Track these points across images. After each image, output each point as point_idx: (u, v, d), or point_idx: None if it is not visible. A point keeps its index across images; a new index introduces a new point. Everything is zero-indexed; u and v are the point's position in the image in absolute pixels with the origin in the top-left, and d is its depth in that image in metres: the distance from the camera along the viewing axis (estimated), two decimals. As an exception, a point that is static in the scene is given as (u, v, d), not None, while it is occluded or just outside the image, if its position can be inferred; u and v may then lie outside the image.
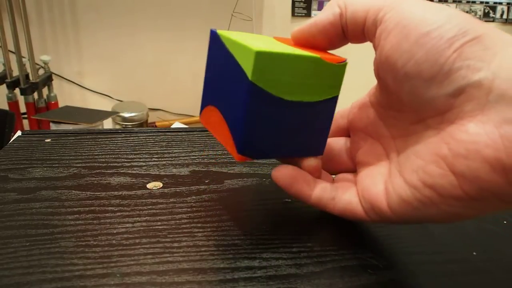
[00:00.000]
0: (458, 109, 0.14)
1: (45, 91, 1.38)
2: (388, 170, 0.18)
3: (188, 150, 0.31)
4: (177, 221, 0.21)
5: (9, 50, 1.25)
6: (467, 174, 0.14)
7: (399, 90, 0.17)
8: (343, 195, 0.19)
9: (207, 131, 0.34)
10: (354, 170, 0.22)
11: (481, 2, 1.82)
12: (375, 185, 0.18)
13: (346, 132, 0.23)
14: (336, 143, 0.23)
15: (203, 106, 0.21)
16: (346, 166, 0.22)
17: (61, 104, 1.41)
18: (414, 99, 0.16)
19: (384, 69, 0.17)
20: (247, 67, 0.17)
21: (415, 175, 0.16)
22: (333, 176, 0.22)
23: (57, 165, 0.27)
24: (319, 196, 0.19)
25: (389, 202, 0.17)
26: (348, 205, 0.19)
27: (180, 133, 0.34)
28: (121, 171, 0.27)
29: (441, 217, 0.16)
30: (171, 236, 0.20)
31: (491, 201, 0.14)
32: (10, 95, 1.27)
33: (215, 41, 0.20)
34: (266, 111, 0.18)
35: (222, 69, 0.19)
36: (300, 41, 0.20)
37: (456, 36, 0.14)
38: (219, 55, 0.20)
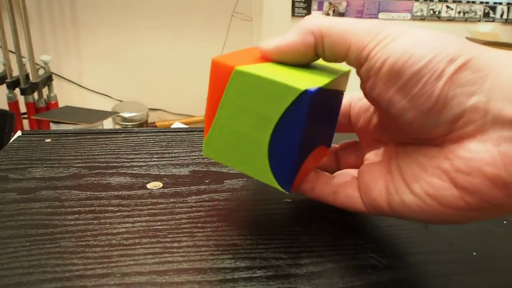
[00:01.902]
0: (458, 131, 0.15)
1: (45, 91, 1.38)
2: (388, 169, 0.18)
3: (188, 150, 0.31)
4: (177, 221, 0.21)
5: (9, 50, 1.25)
6: (469, 189, 0.14)
7: (395, 120, 0.17)
8: (344, 190, 0.20)
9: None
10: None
11: (481, 2, 1.82)
12: (376, 183, 0.18)
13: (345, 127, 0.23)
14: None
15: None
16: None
17: (61, 104, 1.41)
18: (413, 128, 0.16)
19: (376, 102, 0.17)
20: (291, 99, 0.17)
21: (417, 184, 0.16)
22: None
23: (57, 165, 0.27)
24: (320, 191, 0.20)
25: (390, 202, 0.17)
26: (350, 199, 0.19)
27: (180, 133, 0.34)
28: (121, 171, 0.27)
29: (440, 221, 0.16)
30: (171, 236, 0.20)
31: (491, 210, 0.14)
32: (10, 95, 1.28)
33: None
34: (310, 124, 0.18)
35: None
36: (271, 58, 0.19)
37: (446, 66, 0.14)
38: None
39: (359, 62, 0.16)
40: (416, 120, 0.15)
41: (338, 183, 0.20)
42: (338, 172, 0.21)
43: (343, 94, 0.21)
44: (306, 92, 0.16)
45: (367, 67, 0.16)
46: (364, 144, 0.22)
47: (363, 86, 0.17)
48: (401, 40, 0.15)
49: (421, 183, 0.16)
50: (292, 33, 0.18)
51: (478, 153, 0.14)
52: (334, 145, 0.24)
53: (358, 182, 0.19)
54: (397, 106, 0.16)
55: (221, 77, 0.18)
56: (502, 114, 0.13)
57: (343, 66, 0.20)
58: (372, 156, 0.20)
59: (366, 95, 0.18)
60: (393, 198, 0.17)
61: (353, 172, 0.21)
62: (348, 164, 0.23)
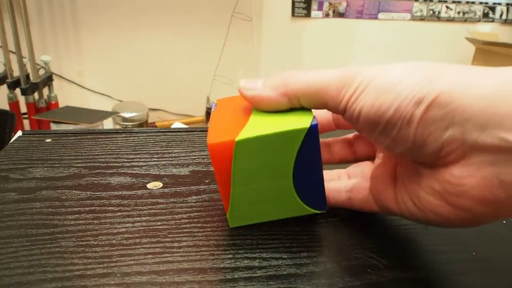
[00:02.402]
0: (442, 159, 0.16)
1: (45, 91, 1.38)
2: (394, 178, 0.19)
3: (188, 150, 0.31)
4: (177, 221, 0.21)
5: (10, 50, 1.25)
6: (461, 207, 0.15)
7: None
8: (358, 195, 0.21)
9: (207, 130, 0.34)
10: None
11: (481, 3, 1.82)
12: (386, 191, 0.19)
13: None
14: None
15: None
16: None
17: (61, 104, 1.41)
18: (405, 155, 0.18)
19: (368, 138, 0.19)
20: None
21: (417, 200, 0.17)
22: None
23: (57, 165, 0.27)
24: (335, 201, 0.22)
25: (399, 208, 0.19)
26: (364, 203, 0.21)
27: (180, 133, 0.34)
28: (121, 171, 0.27)
29: (443, 226, 0.17)
30: (171, 236, 0.20)
31: (487, 219, 0.16)
32: (10, 95, 1.28)
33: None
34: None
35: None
36: (249, 103, 0.20)
37: (414, 110, 0.15)
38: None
39: (338, 113, 0.18)
40: (404, 152, 0.17)
41: (351, 190, 0.21)
42: (350, 181, 0.22)
43: None
44: (311, 127, 0.18)
45: (346, 117, 0.18)
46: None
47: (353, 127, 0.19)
48: (370, 89, 0.16)
49: (420, 200, 0.17)
50: (268, 88, 0.19)
51: (463, 178, 0.15)
52: (347, 136, 0.23)
53: (370, 187, 0.21)
54: (384, 143, 0.17)
55: (224, 154, 0.18)
56: (478, 142, 0.14)
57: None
58: (380, 160, 0.21)
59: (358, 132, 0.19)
60: (401, 206, 0.18)
61: (364, 175, 0.22)
62: (365, 152, 0.23)
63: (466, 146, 0.15)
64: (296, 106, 0.19)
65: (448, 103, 0.14)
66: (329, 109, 0.18)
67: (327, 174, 0.23)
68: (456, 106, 0.14)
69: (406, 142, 0.16)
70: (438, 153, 0.15)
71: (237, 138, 0.18)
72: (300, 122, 0.18)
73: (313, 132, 0.18)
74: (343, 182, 0.22)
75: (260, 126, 0.19)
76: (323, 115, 0.23)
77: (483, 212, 0.15)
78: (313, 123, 0.18)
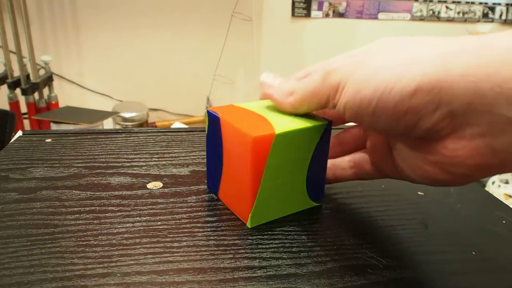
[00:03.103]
0: (434, 135, 0.16)
1: (45, 91, 1.38)
2: (390, 152, 0.20)
3: (188, 150, 0.31)
4: (177, 221, 0.21)
5: (10, 51, 1.25)
6: (458, 174, 0.16)
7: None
8: (361, 169, 0.22)
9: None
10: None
11: (480, 3, 1.82)
12: (385, 163, 0.21)
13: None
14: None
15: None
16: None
17: (61, 104, 1.41)
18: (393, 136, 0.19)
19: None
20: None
21: (418, 170, 0.18)
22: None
23: (57, 165, 0.27)
24: (341, 176, 0.23)
25: (400, 175, 0.20)
26: (369, 175, 0.22)
27: (180, 133, 0.34)
28: (121, 171, 0.27)
29: (443, 186, 0.18)
30: (171, 236, 0.20)
31: (485, 176, 0.16)
32: (11, 95, 1.28)
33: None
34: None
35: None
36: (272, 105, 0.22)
37: (397, 102, 0.16)
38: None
39: (333, 106, 0.19)
40: (396, 135, 0.18)
41: (355, 166, 0.23)
42: (352, 157, 0.23)
43: None
44: (328, 122, 0.21)
45: (337, 112, 0.19)
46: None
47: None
48: (349, 85, 0.17)
49: (420, 170, 0.18)
50: (280, 92, 0.21)
51: (457, 150, 0.16)
52: (335, 135, 0.24)
53: (370, 160, 0.22)
54: (375, 130, 0.18)
55: (263, 148, 0.19)
56: (466, 118, 0.15)
57: None
58: (375, 138, 0.22)
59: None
60: (401, 174, 0.20)
61: (361, 154, 0.23)
62: (354, 149, 0.23)
63: (456, 122, 0.15)
64: (304, 112, 0.21)
65: (430, 89, 0.15)
66: (326, 107, 0.19)
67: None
68: (440, 88, 0.15)
69: (396, 128, 0.17)
70: (429, 131, 0.16)
71: (277, 132, 0.19)
72: (315, 119, 0.21)
73: (329, 127, 0.21)
74: (346, 159, 0.23)
75: (284, 124, 0.20)
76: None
77: (478, 175, 0.16)
78: (328, 119, 0.21)
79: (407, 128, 0.16)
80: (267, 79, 0.21)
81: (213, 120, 0.22)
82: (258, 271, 0.18)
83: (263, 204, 0.20)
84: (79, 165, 0.27)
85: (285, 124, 0.20)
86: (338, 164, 0.23)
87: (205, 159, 0.29)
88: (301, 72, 0.21)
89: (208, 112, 0.22)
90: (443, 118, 0.15)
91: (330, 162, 0.23)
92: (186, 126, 1.35)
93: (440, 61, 0.15)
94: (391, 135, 0.20)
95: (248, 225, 0.21)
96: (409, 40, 0.17)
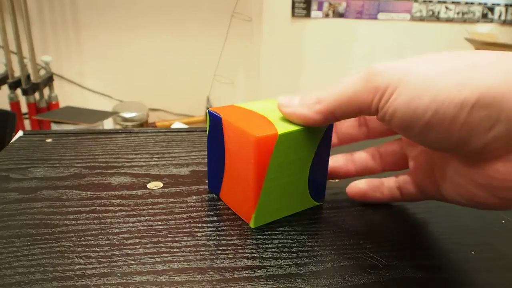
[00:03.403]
0: (485, 155, 0.15)
1: (46, 91, 1.38)
2: (433, 172, 0.20)
3: (188, 150, 0.31)
4: (177, 221, 0.21)
5: (11, 51, 1.25)
6: (508, 198, 0.16)
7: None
8: (406, 190, 0.22)
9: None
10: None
11: (480, 3, 1.82)
12: (428, 184, 0.20)
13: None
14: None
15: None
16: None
17: (62, 104, 1.41)
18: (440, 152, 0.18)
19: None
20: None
21: (464, 191, 0.17)
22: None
23: (58, 165, 0.27)
24: (390, 197, 0.23)
25: (444, 198, 0.19)
26: (414, 197, 0.22)
27: (180, 133, 0.34)
28: (122, 171, 0.27)
29: (489, 209, 0.18)
30: (171, 235, 0.20)
31: None
32: (11, 95, 1.28)
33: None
34: None
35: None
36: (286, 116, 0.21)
37: (454, 115, 0.14)
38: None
39: (371, 115, 0.18)
40: (444, 151, 0.17)
41: (400, 188, 0.22)
42: (398, 180, 0.22)
43: None
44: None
45: (379, 118, 0.17)
46: (405, 140, 0.22)
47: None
48: (402, 90, 0.15)
49: (467, 192, 0.17)
50: (304, 106, 0.19)
51: (508, 174, 0.15)
52: (374, 147, 0.24)
53: (412, 181, 0.21)
54: (423, 144, 0.17)
55: (266, 148, 0.19)
56: None
57: None
58: (416, 155, 0.21)
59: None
60: (445, 195, 0.19)
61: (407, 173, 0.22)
62: (393, 163, 0.23)
63: (511, 142, 0.14)
64: (331, 121, 0.20)
65: (491, 103, 0.14)
66: (362, 114, 0.18)
67: (373, 181, 0.23)
68: (500, 104, 0.14)
69: (447, 143, 0.15)
70: (481, 150, 0.15)
71: (280, 132, 0.19)
72: None
73: (330, 127, 0.21)
74: (392, 179, 0.23)
75: (286, 124, 0.20)
76: (352, 125, 0.23)
77: None
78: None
79: (458, 145, 0.15)
80: (284, 100, 0.20)
81: (215, 120, 0.22)
82: (258, 271, 0.18)
83: (266, 204, 0.21)
84: (79, 165, 0.27)
85: (287, 125, 0.20)
86: (387, 186, 0.23)
87: (205, 159, 0.29)
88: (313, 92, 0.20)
89: (209, 112, 0.22)
90: (499, 137, 0.14)
91: (378, 181, 0.23)
92: (186, 126, 1.35)
93: (503, 75, 0.14)
94: (437, 151, 0.18)
95: (251, 225, 0.21)
96: (468, 52, 0.15)
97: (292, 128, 0.20)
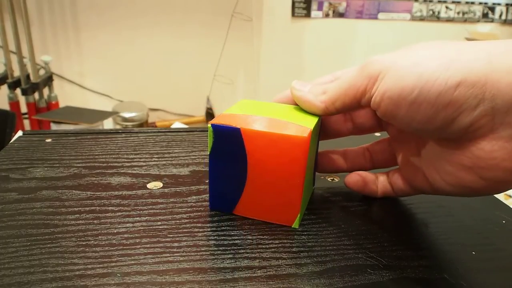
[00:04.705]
0: (470, 134, 0.16)
1: (45, 91, 1.38)
2: (421, 163, 0.20)
3: (188, 150, 0.31)
4: (177, 221, 0.21)
5: (10, 51, 1.25)
6: (494, 179, 0.16)
7: (409, 132, 0.20)
8: (396, 185, 0.23)
9: (207, 130, 0.34)
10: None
11: (480, 3, 1.82)
12: (416, 176, 0.21)
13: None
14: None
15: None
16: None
17: (61, 104, 1.41)
18: (428, 137, 0.19)
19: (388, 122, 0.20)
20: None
21: (450, 177, 0.18)
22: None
23: (57, 165, 0.27)
24: (383, 192, 0.23)
25: (432, 187, 0.20)
26: (403, 192, 0.23)
27: (180, 133, 0.34)
28: (121, 171, 0.27)
29: (478, 195, 0.18)
30: (171, 236, 0.20)
31: None
32: (11, 95, 1.28)
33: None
34: None
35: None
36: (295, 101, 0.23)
37: (440, 93, 0.15)
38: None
39: (368, 104, 0.19)
40: (431, 132, 0.17)
41: (391, 182, 0.23)
42: (389, 175, 0.23)
43: None
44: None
45: (372, 104, 0.18)
46: (392, 137, 0.23)
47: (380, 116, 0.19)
48: (391, 74, 0.17)
49: (452, 177, 0.18)
50: (312, 93, 0.21)
51: (494, 152, 0.15)
52: (364, 145, 0.25)
53: (401, 176, 0.22)
54: (410, 126, 0.17)
55: (308, 145, 0.19)
56: (507, 118, 0.15)
57: None
58: (404, 150, 0.22)
59: (385, 121, 0.21)
60: (433, 186, 0.20)
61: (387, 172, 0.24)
62: (382, 161, 0.24)
63: (495, 121, 0.15)
64: (332, 111, 0.20)
65: (475, 82, 0.15)
66: (359, 103, 0.19)
67: (369, 173, 0.24)
68: (485, 83, 0.14)
69: (434, 123, 0.16)
70: (467, 129, 0.16)
71: (311, 127, 0.19)
72: (308, 113, 0.22)
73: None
74: (384, 175, 0.23)
75: (301, 119, 0.21)
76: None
77: None
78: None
79: (445, 123, 0.16)
80: (297, 84, 0.22)
81: (228, 133, 0.20)
82: (258, 271, 0.18)
83: (303, 201, 0.21)
84: (79, 165, 0.27)
85: (302, 120, 0.20)
86: (380, 182, 0.23)
87: (205, 159, 0.29)
88: (327, 76, 0.21)
89: (215, 127, 0.20)
90: (484, 115, 0.15)
91: (374, 175, 0.24)
92: (186, 126, 1.35)
93: (486, 58, 0.15)
94: (424, 135, 0.19)
95: (295, 225, 0.21)
96: (453, 41, 0.17)
97: (311, 120, 0.20)
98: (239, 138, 0.19)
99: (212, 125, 0.20)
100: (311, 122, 0.20)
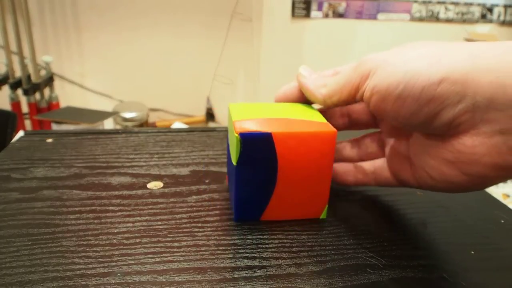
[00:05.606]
0: (453, 130, 0.17)
1: (46, 91, 1.38)
2: (408, 157, 0.21)
3: (188, 150, 0.31)
4: (177, 221, 0.21)
5: (12, 51, 1.25)
6: (474, 174, 0.17)
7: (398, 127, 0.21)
8: (380, 175, 0.23)
9: (207, 130, 0.35)
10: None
11: (479, 4, 1.82)
12: (402, 170, 0.21)
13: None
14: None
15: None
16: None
17: (62, 104, 1.42)
18: (414, 131, 0.20)
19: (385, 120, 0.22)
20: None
21: (433, 172, 0.19)
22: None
23: (58, 165, 0.27)
24: (362, 181, 0.24)
25: (417, 181, 0.20)
26: (387, 181, 0.23)
27: (180, 133, 0.34)
28: (122, 171, 0.27)
29: (461, 191, 0.19)
30: (171, 235, 0.20)
31: (499, 181, 0.17)
32: (12, 95, 1.28)
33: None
34: None
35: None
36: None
37: (423, 88, 0.16)
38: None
39: (362, 99, 0.20)
40: (415, 127, 0.18)
41: (375, 172, 0.23)
42: (374, 164, 0.24)
43: None
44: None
45: (364, 99, 0.19)
46: (384, 131, 0.24)
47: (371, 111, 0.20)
48: (380, 71, 0.18)
49: (436, 172, 0.18)
50: (314, 83, 0.22)
51: (475, 147, 0.16)
52: (353, 138, 0.25)
53: (388, 167, 0.23)
54: (396, 120, 0.18)
55: (333, 140, 0.20)
56: (488, 113, 0.15)
57: None
58: (393, 143, 0.23)
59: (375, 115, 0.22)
60: (418, 180, 0.20)
61: (379, 161, 0.24)
62: (371, 153, 0.24)
63: (476, 117, 0.15)
64: (329, 105, 0.22)
65: (457, 80, 0.15)
66: (354, 98, 0.20)
67: (347, 165, 0.25)
68: (466, 80, 0.15)
69: (418, 117, 0.17)
70: (449, 124, 0.16)
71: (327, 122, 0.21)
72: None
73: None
74: (367, 164, 0.24)
75: (310, 115, 0.22)
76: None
77: (495, 177, 0.16)
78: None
79: (428, 118, 0.17)
80: (304, 71, 0.23)
81: (257, 140, 0.19)
82: (258, 271, 0.18)
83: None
84: (79, 165, 0.28)
85: (311, 117, 0.21)
86: (360, 168, 0.24)
87: (205, 159, 0.29)
88: (329, 70, 0.22)
89: (244, 135, 0.19)
90: (465, 111, 0.16)
91: (352, 165, 0.24)
92: (186, 126, 1.35)
93: (469, 57, 0.16)
94: (409, 128, 0.20)
95: (323, 216, 0.22)
96: (440, 42, 0.18)
97: (318, 116, 0.21)
98: (271, 142, 0.19)
99: (241, 134, 0.19)
100: (320, 117, 0.22)
